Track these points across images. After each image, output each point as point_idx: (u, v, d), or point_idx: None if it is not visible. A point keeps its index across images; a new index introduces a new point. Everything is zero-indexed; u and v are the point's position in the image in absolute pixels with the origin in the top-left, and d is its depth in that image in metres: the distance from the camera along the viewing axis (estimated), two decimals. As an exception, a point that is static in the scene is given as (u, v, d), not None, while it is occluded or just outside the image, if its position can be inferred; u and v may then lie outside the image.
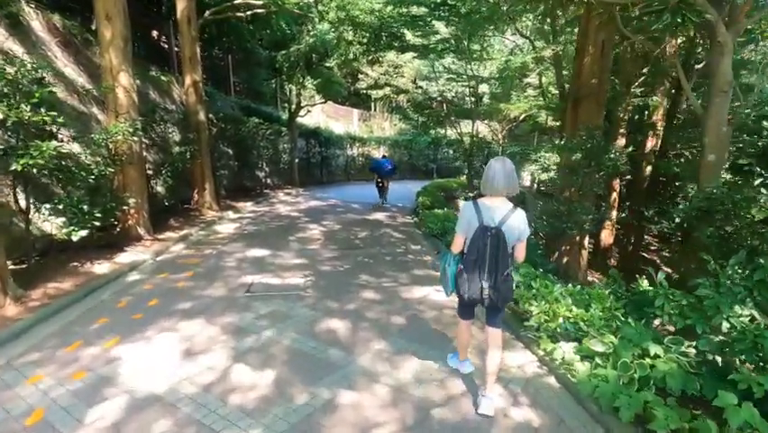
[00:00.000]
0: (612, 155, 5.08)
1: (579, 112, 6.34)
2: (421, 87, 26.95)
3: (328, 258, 6.52)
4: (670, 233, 14.21)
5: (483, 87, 23.34)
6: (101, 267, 5.54)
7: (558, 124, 15.25)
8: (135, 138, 6.38)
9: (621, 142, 11.52)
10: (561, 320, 3.19)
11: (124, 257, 6.05)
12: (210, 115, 10.99)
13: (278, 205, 12.43)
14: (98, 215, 5.27)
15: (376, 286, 5.22)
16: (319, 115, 23.09)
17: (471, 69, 11.42)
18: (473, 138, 10.90)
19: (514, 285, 2.80)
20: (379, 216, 11.20)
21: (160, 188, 9.36)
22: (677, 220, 5.60)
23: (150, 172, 8.15)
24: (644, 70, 10.18)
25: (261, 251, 6.82)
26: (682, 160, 9.88)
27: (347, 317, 4.18)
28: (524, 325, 3.75)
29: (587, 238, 6.60)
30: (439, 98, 13.04)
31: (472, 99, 12.84)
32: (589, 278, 7.26)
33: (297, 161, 17.00)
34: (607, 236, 12.80)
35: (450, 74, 11.52)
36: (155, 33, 13.39)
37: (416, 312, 4.42)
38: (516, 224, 2.53)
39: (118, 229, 6.88)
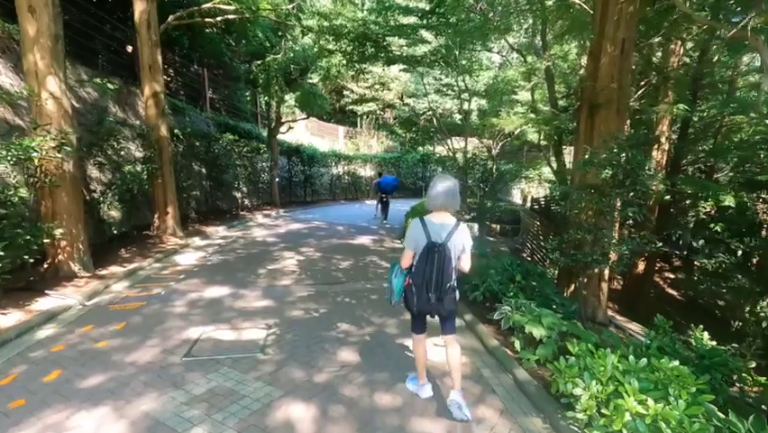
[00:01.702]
0: (650, 171, 4.17)
1: (596, 121, 5.43)
2: (408, 105, 26.45)
3: (301, 298, 5.38)
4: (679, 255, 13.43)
5: (472, 104, 22.90)
6: (5, 319, 4.32)
7: (544, 142, 14.59)
8: (63, 155, 5.23)
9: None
10: (628, 416, 2.13)
11: (44, 303, 4.83)
12: (176, 131, 9.89)
13: (255, 229, 11.26)
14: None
15: (358, 340, 4.09)
16: (302, 131, 22.14)
17: (464, 82, 10.60)
18: (467, 155, 10.01)
19: (457, 296, 2.84)
20: (365, 240, 10.11)
21: (114, 213, 8.17)
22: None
23: (95, 195, 6.98)
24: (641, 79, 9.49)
25: (222, 289, 5.66)
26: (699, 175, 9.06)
27: (315, 398, 3.04)
28: (565, 413, 2.67)
29: (607, 268, 5.59)
30: (429, 113, 12.23)
31: (463, 114, 12.01)
32: (609, 312, 6.24)
33: (277, 180, 15.90)
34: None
35: (441, 85, 10.69)
36: (129, 47, 12.35)
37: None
38: (461, 239, 2.71)
39: (46, 265, 5.66)
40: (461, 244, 2.71)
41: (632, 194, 3.94)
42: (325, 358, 3.67)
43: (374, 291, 5.80)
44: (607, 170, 4.07)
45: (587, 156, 4.18)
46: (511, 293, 4.91)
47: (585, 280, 5.72)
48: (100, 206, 6.28)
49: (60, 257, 5.63)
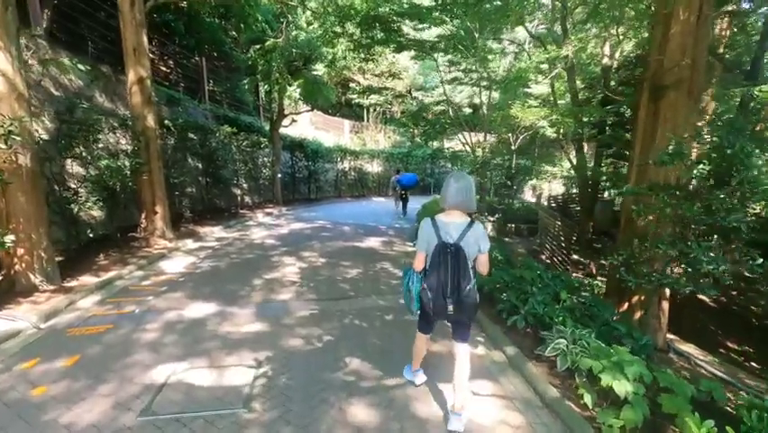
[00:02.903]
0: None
1: (661, 107, 4.43)
2: (416, 98, 25.37)
3: (301, 320, 4.45)
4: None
5: (482, 97, 21.79)
6: (-73, 351, 3.44)
7: (559, 135, 13.55)
8: (14, 146, 4.32)
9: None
10: None
11: (-14, 326, 3.94)
12: (166, 122, 8.99)
13: (254, 229, 10.35)
14: None
15: (374, 387, 3.16)
16: (306, 125, 21.20)
17: (484, 69, 9.59)
18: (484, 150, 9.03)
19: (478, 298, 2.58)
20: (374, 242, 9.18)
21: (96, 213, 7.29)
22: None
23: (66, 194, 6.09)
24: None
25: (207, 306, 4.75)
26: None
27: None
28: None
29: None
30: (442, 104, 11.22)
31: (480, 106, 11.01)
32: (669, 335, 5.25)
33: (279, 176, 14.97)
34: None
35: (460, 70, 9.68)
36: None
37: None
38: (474, 239, 2.52)
39: (0, 277, 4.78)
40: (477, 244, 2.52)
41: (737, 197, 2.95)
42: (330, 418, 2.74)
43: (389, 310, 4.86)
44: (700, 166, 3.10)
45: (670, 147, 3.20)
46: (560, 317, 3.96)
47: (642, 297, 4.76)
48: (70, 206, 5.40)
49: (17, 267, 4.75)
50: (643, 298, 4.75)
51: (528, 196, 22.82)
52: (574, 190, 17.68)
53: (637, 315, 4.83)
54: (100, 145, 6.59)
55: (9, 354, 3.56)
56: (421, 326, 2.91)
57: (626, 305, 4.92)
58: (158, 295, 5.14)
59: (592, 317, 4.20)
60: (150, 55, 14.28)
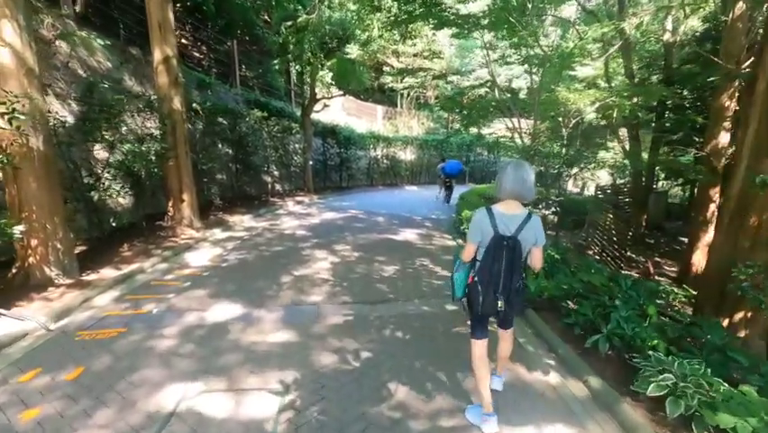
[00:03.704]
0: None
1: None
2: (452, 82, 24.19)
3: (334, 329, 3.85)
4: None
5: (520, 81, 20.35)
6: None
7: (612, 120, 12.31)
8: (19, 126, 3.89)
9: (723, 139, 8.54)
10: None
11: (-8, 326, 3.57)
12: (195, 105, 8.58)
13: (285, 218, 9.89)
14: None
15: (427, 429, 2.50)
16: (339, 111, 20.60)
17: (537, 42, 8.57)
18: (539, 136, 8.09)
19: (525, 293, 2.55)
20: (410, 235, 8.50)
21: (123, 200, 6.99)
22: None
23: (89, 181, 5.73)
24: None
25: (231, 308, 4.24)
26: None
27: None
28: None
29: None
30: (486, 84, 10.28)
31: (533, 85, 9.99)
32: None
33: (311, 163, 14.48)
34: (701, 259, 9.82)
35: (510, 45, 8.71)
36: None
37: None
38: (533, 232, 2.37)
39: (14, 270, 4.45)
40: (534, 237, 2.38)
41: None
42: (375, 476, 2.12)
43: (435, 318, 4.19)
44: None
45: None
46: (654, 341, 3.18)
47: (749, 312, 3.87)
48: (91, 193, 5.02)
49: (31, 260, 4.39)
50: (750, 314, 3.86)
51: (570, 186, 21.40)
52: (620, 181, 16.28)
53: (741, 333, 3.94)
54: (124, 129, 6.19)
55: (10, 362, 3.15)
56: (474, 329, 2.55)
57: (725, 321, 4.03)
58: (179, 292, 4.69)
59: (693, 339, 3.38)
60: (184, 41, 14.11)
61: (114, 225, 5.88)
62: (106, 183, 5.50)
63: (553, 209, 7.24)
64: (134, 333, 3.64)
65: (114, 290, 4.72)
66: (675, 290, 6.33)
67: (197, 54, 14.26)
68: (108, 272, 5.17)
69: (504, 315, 2.51)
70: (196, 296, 4.60)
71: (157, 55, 7.08)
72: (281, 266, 5.81)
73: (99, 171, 5.67)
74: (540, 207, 6.84)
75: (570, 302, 4.37)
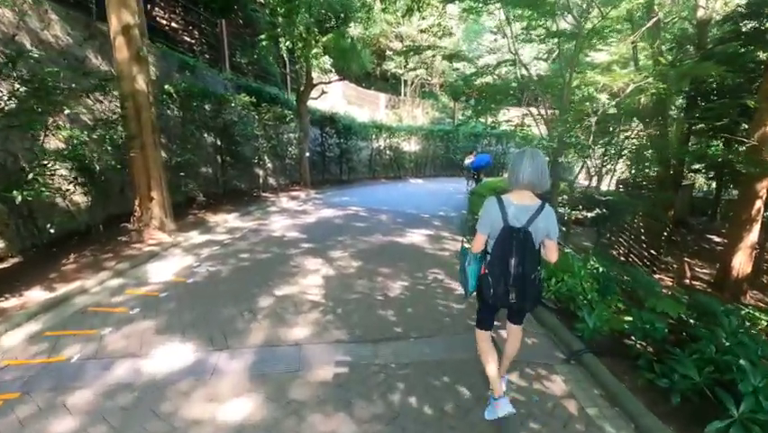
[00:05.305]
0: None
1: None
2: (458, 69, 22.82)
3: (321, 390, 2.68)
4: None
5: (540, 65, 18.97)
6: None
7: (638, 106, 11.06)
8: None
9: None
10: None
11: None
12: (167, 86, 7.36)
13: (275, 217, 8.72)
14: None
15: None
16: (338, 98, 19.32)
17: (571, 12, 7.28)
18: (567, 125, 6.86)
19: (541, 288, 2.51)
20: (417, 237, 7.33)
21: (77, 199, 5.83)
22: None
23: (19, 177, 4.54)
24: None
25: (181, 351, 3.09)
26: None
27: None
28: None
29: None
30: (503, 64, 9.04)
31: (561, 66, 8.70)
32: None
33: (307, 154, 13.26)
34: (744, 262, 8.72)
35: (539, 17, 7.41)
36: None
37: None
38: (545, 224, 2.28)
39: None
40: (546, 229, 2.26)
41: None
42: None
43: (464, 369, 3.02)
44: None
45: None
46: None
47: None
48: (13, 193, 3.88)
49: None
50: None
51: (582, 179, 20.12)
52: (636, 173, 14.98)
53: None
54: (67, 112, 4.99)
55: None
56: (480, 318, 2.56)
57: None
58: (120, 325, 3.54)
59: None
60: (174, 24, 12.86)
61: (51, 231, 4.70)
62: (39, 179, 4.33)
63: (598, 211, 6.04)
64: (29, 401, 2.50)
65: (35, 323, 3.57)
66: (749, 312, 5.05)
67: (188, 39, 13.04)
68: (36, 295, 4.02)
69: (517, 307, 2.38)
70: (140, 330, 3.45)
71: (114, 23, 5.85)
72: (261, 282, 4.64)
73: (25, 165, 4.48)
74: (579, 207, 5.67)
75: (641, 343, 3.20)
